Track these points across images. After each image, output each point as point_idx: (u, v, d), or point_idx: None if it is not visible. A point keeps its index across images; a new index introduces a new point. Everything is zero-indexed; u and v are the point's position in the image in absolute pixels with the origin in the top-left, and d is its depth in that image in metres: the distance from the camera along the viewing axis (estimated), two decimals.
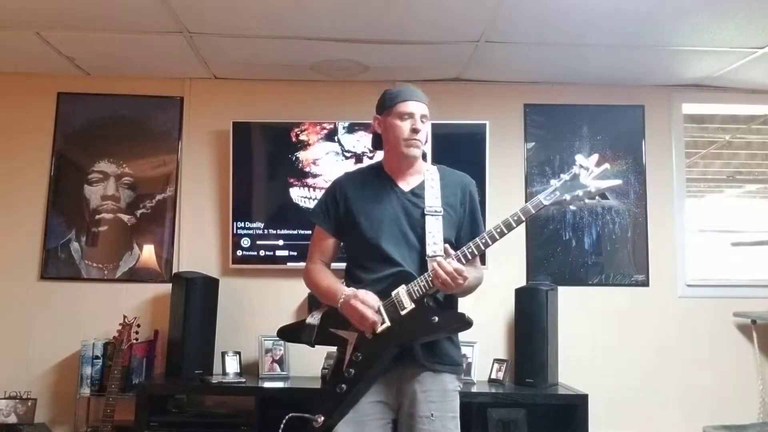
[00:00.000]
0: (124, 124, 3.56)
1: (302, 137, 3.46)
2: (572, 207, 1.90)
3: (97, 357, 3.26)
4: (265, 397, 3.10)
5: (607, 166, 1.93)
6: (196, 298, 3.23)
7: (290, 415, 1.91)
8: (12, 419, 3.18)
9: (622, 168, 3.57)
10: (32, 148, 3.54)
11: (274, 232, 3.42)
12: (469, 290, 2.00)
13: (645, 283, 3.50)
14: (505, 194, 3.47)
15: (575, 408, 3.01)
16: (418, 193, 2.03)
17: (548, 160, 3.57)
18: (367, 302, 1.90)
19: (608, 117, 3.58)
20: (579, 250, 3.52)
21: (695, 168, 3.74)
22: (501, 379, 3.28)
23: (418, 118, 1.99)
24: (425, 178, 2.05)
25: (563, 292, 3.37)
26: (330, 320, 2.00)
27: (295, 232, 3.40)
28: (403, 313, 1.89)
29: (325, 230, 2.11)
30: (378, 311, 1.90)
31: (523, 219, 1.90)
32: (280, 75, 3.53)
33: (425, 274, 1.89)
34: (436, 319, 1.88)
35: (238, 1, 2.68)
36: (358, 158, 3.44)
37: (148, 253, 3.50)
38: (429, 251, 1.94)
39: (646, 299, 3.50)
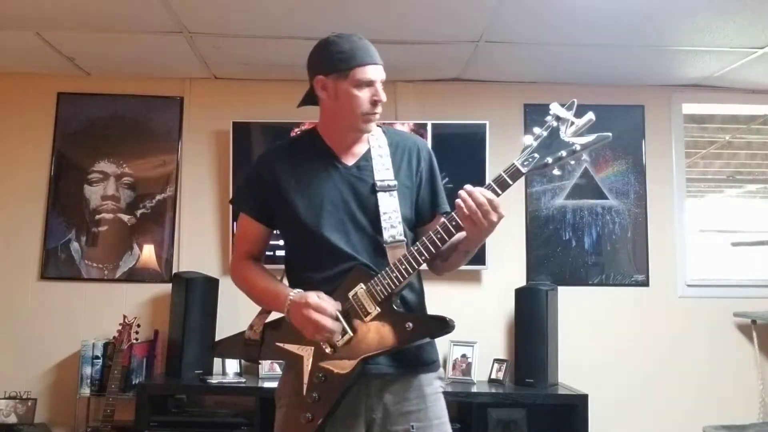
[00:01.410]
0: (124, 124, 3.56)
1: None
2: (556, 171, 1.48)
3: (97, 357, 3.26)
4: (265, 397, 3.09)
5: (591, 116, 1.47)
6: (196, 298, 3.23)
7: None
8: (12, 419, 3.17)
9: (622, 168, 3.57)
10: (32, 147, 3.53)
11: (274, 232, 3.41)
12: (473, 254, 1.64)
13: (645, 283, 3.50)
14: (504, 194, 3.44)
15: (575, 408, 3.01)
16: (363, 165, 1.65)
17: None
18: (321, 309, 1.52)
19: (608, 117, 3.58)
20: (579, 250, 3.52)
21: (695, 168, 3.74)
22: (501, 379, 3.28)
23: (379, 85, 1.62)
24: (371, 145, 1.67)
25: (563, 292, 3.37)
26: (276, 332, 1.65)
27: None
28: (367, 319, 1.54)
29: (251, 216, 1.73)
30: (337, 319, 1.54)
31: (500, 192, 1.50)
32: (280, 75, 3.52)
33: (388, 267, 1.54)
34: (411, 325, 1.51)
35: (238, 1, 2.67)
36: None
37: (148, 253, 3.50)
38: (386, 236, 1.57)
39: (646, 299, 3.50)
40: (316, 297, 1.55)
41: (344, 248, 1.60)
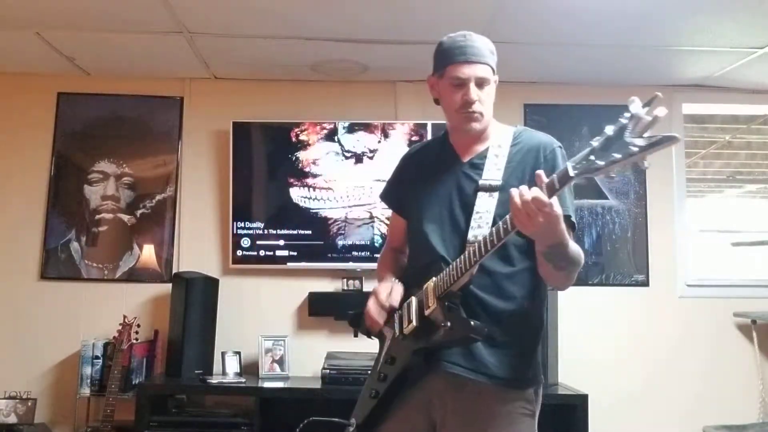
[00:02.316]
0: (125, 124, 3.56)
1: (302, 137, 3.46)
2: (613, 175, 1.25)
3: (97, 357, 3.26)
4: (265, 397, 3.10)
5: (659, 112, 1.20)
6: (196, 298, 3.23)
7: (311, 418, 1.72)
8: (12, 419, 3.17)
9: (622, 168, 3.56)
10: (32, 147, 3.53)
11: (274, 232, 3.42)
12: (565, 259, 1.44)
13: (645, 283, 3.50)
14: None
15: (575, 408, 3.00)
16: (477, 163, 1.64)
17: None
18: (378, 294, 1.67)
19: (608, 117, 3.54)
20: None
21: (695, 168, 3.74)
22: None
23: (472, 84, 1.57)
24: (491, 144, 1.64)
25: (563, 292, 3.35)
26: None
27: (295, 232, 3.40)
28: (427, 312, 1.55)
29: (390, 207, 1.87)
30: (387, 309, 1.65)
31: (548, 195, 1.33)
32: (280, 75, 3.52)
33: (454, 263, 1.51)
34: (448, 324, 1.49)
35: (238, 1, 2.67)
36: (358, 158, 3.44)
37: (148, 253, 3.50)
38: (470, 235, 1.54)
39: (646, 299, 3.49)
40: (384, 285, 1.70)
41: (435, 242, 1.62)
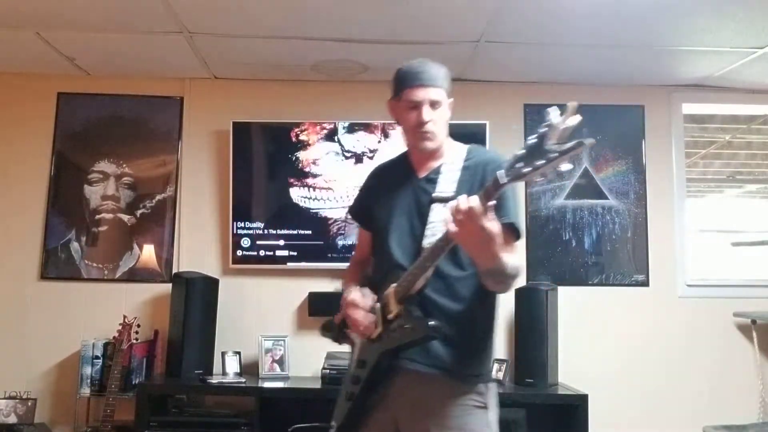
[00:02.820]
0: (124, 124, 3.56)
1: (302, 137, 3.46)
2: (539, 178, 1.38)
3: (97, 357, 3.26)
4: (265, 397, 3.10)
5: (574, 120, 1.30)
6: (196, 298, 3.23)
7: (294, 427, 1.83)
8: (12, 419, 3.17)
9: (622, 168, 3.57)
10: (32, 147, 3.53)
11: (274, 232, 3.42)
12: (500, 271, 1.56)
13: (645, 283, 3.50)
14: None
15: (575, 408, 3.01)
16: (432, 178, 1.78)
17: None
18: (355, 303, 1.73)
19: (608, 117, 3.58)
20: (579, 250, 3.52)
21: (695, 168, 3.74)
22: (501, 379, 3.27)
23: (426, 106, 1.73)
24: (445, 161, 1.79)
25: (563, 292, 3.36)
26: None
27: (295, 232, 3.40)
28: (390, 316, 1.68)
29: (357, 222, 2.01)
30: (371, 311, 1.72)
31: (485, 201, 1.45)
32: (280, 75, 3.52)
33: (410, 268, 1.65)
34: (409, 326, 1.63)
35: (238, 2, 2.67)
36: (358, 158, 3.44)
37: (148, 253, 3.50)
38: (425, 243, 1.67)
39: (646, 299, 3.49)
40: (356, 293, 1.76)
41: (395, 252, 1.75)
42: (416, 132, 1.75)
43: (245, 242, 3.42)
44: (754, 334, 3.45)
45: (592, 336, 3.45)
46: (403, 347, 1.66)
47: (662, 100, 3.62)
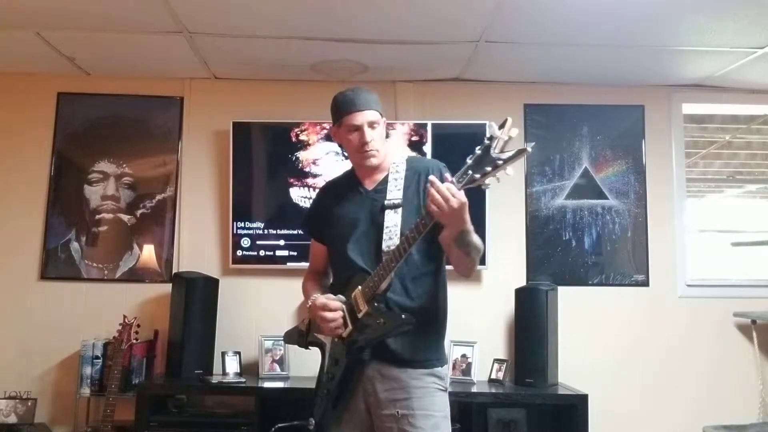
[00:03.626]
0: (124, 124, 3.56)
1: (302, 137, 3.46)
2: (486, 183, 1.62)
3: (97, 357, 3.26)
4: (265, 397, 3.10)
5: (513, 132, 1.60)
6: (196, 298, 3.23)
7: (277, 426, 2.04)
8: (12, 419, 3.17)
9: (622, 168, 3.57)
10: (32, 147, 3.53)
11: (274, 232, 3.42)
12: (471, 243, 1.78)
13: (645, 283, 3.50)
14: (505, 194, 3.46)
15: (575, 408, 3.01)
16: (380, 189, 1.98)
17: (548, 160, 3.56)
18: (328, 307, 1.89)
19: (608, 117, 3.58)
20: (579, 250, 3.52)
21: (695, 168, 3.74)
22: (501, 379, 3.28)
23: (366, 128, 1.92)
24: (390, 172, 1.99)
25: (563, 292, 3.36)
26: (315, 325, 2.02)
27: (295, 232, 3.40)
28: (360, 315, 1.85)
29: (311, 236, 2.16)
30: (343, 314, 1.88)
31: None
32: (280, 75, 3.52)
33: (376, 270, 1.82)
34: (382, 321, 1.81)
35: (238, 1, 2.67)
36: None
37: (148, 253, 3.50)
38: (384, 246, 1.84)
39: (646, 299, 3.49)
40: (324, 298, 1.92)
41: (355, 258, 1.92)
42: (360, 151, 1.94)
43: (245, 242, 3.42)
44: (754, 334, 3.45)
45: (592, 336, 3.45)
46: (376, 340, 1.83)
47: (662, 100, 3.62)
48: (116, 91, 3.58)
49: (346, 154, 2.09)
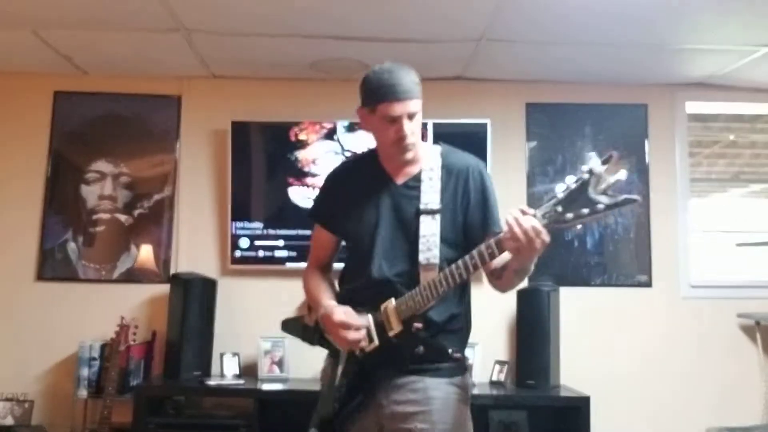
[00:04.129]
0: (122, 124, 3.54)
1: (301, 137, 3.43)
2: (576, 227, 1.51)
3: (94, 358, 3.24)
4: (264, 399, 3.09)
5: (622, 175, 1.38)
6: (194, 299, 3.22)
7: None
8: (9, 421, 3.16)
9: (625, 167, 3.53)
10: (29, 147, 3.51)
11: (273, 232, 3.39)
12: (529, 269, 1.65)
13: (648, 284, 3.48)
14: (506, 194, 3.41)
15: (577, 410, 2.99)
16: (413, 185, 1.76)
17: (550, 160, 3.54)
18: (345, 324, 1.69)
19: (611, 116, 3.56)
20: (581, 250, 3.50)
21: (699, 167, 3.71)
22: (502, 380, 3.26)
23: (405, 120, 1.69)
24: (423, 167, 1.76)
25: (565, 292, 3.34)
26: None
27: (295, 232, 3.38)
28: (390, 334, 1.67)
29: (322, 226, 1.90)
30: (359, 329, 1.69)
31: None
32: (279, 74, 3.50)
33: (416, 288, 1.64)
34: (421, 349, 1.65)
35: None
36: None
37: (145, 253, 3.47)
38: (422, 258, 1.67)
39: (649, 300, 3.47)
40: (341, 314, 1.71)
41: (380, 262, 1.72)
42: (397, 146, 1.72)
43: (244, 242, 3.40)
44: (758, 336, 3.43)
45: (595, 337, 3.43)
46: (409, 364, 1.69)
47: (666, 98, 3.59)
48: (114, 90, 3.56)
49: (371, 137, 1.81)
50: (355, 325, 1.68)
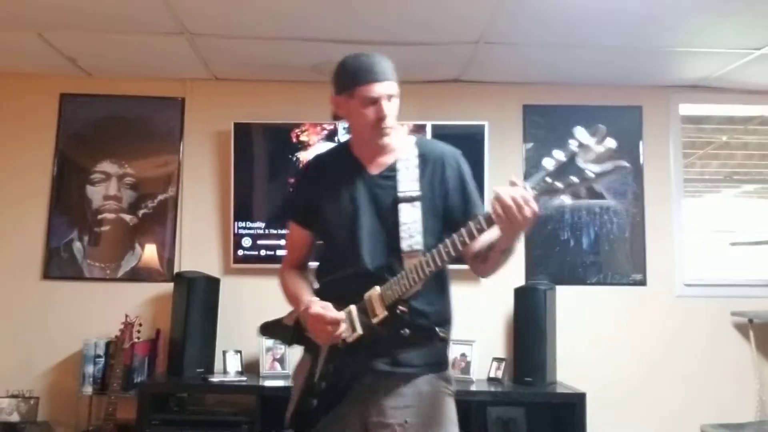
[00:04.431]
0: (126, 125, 3.58)
1: (303, 138, 3.47)
2: (566, 199, 1.43)
3: (99, 356, 3.27)
4: (266, 395, 3.11)
5: (611, 143, 1.39)
6: (197, 298, 3.25)
7: None
8: (14, 418, 3.19)
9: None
10: (35, 148, 3.55)
11: (275, 231, 3.44)
12: (511, 252, 1.62)
13: (643, 283, 3.52)
14: None
15: (573, 406, 3.02)
16: (389, 175, 1.73)
17: None
18: (320, 318, 1.64)
19: (606, 117, 3.53)
20: (577, 249, 3.54)
21: (693, 168, 3.76)
22: (500, 377, 3.30)
23: (385, 101, 1.67)
24: (398, 157, 1.74)
25: (561, 291, 3.38)
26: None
27: None
28: (374, 321, 1.62)
29: (296, 223, 1.87)
30: (336, 323, 1.64)
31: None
32: (280, 76, 3.54)
33: (400, 274, 1.61)
34: (407, 332, 1.62)
35: (238, 2, 2.69)
36: None
37: (149, 252, 3.52)
38: (404, 245, 1.64)
39: (644, 299, 3.51)
40: (318, 308, 1.66)
41: (361, 253, 1.68)
42: (377, 128, 1.68)
43: (246, 242, 3.44)
44: (752, 334, 3.46)
45: (590, 335, 3.46)
46: (397, 351, 1.65)
47: (660, 100, 3.63)
48: (118, 92, 3.60)
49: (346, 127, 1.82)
50: (335, 317, 1.64)
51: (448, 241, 1.54)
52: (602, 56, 3.23)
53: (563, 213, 3.55)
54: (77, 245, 3.50)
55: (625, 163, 1.38)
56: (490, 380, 3.33)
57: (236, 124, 3.47)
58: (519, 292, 3.33)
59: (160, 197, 3.55)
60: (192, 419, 3.12)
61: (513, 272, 3.48)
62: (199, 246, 3.53)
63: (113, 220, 3.53)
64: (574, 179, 1.40)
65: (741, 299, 3.49)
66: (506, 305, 3.41)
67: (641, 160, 3.59)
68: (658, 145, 3.61)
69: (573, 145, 1.41)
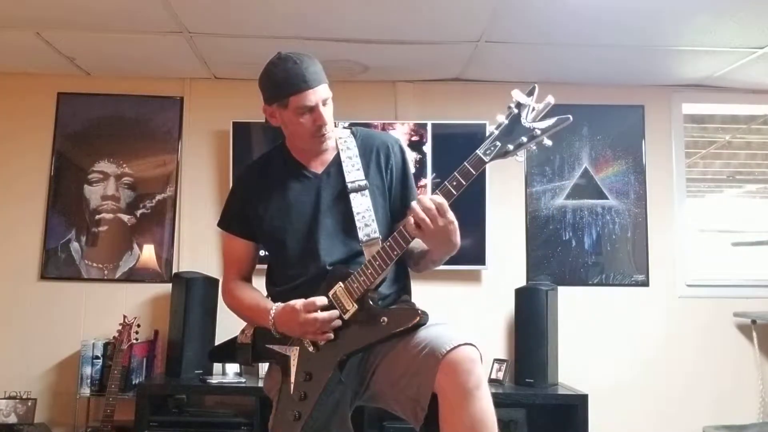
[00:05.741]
0: (125, 124, 3.56)
1: None
2: (519, 158, 1.48)
3: (97, 357, 3.26)
4: (265, 397, 3.07)
5: (550, 99, 1.47)
6: (196, 298, 3.23)
7: None
8: (12, 419, 3.17)
9: (622, 168, 3.57)
10: (32, 148, 3.54)
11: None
12: (449, 246, 1.58)
13: (645, 283, 3.50)
14: (504, 195, 3.47)
15: (575, 408, 3.01)
16: (333, 171, 1.71)
17: (548, 160, 3.56)
18: (311, 306, 1.58)
19: (608, 117, 3.58)
20: (579, 250, 3.52)
21: (695, 168, 3.75)
22: (501, 379, 3.28)
23: (320, 106, 1.64)
24: (340, 149, 1.72)
25: (563, 292, 3.36)
26: (265, 336, 1.70)
27: None
28: (346, 317, 1.58)
29: (235, 234, 1.79)
30: (328, 308, 1.59)
31: (465, 183, 1.53)
32: None
33: (363, 265, 1.57)
34: (385, 319, 1.55)
35: (238, 1, 2.68)
36: None
37: (148, 253, 3.50)
38: (361, 235, 1.62)
39: (646, 299, 3.50)
40: (300, 302, 1.60)
41: (317, 253, 1.66)
42: (316, 135, 1.67)
43: None
44: (754, 334, 3.45)
45: (592, 336, 3.45)
46: (378, 342, 1.58)
47: (662, 100, 3.62)
48: (116, 91, 3.58)
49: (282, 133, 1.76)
50: (319, 305, 1.58)
51: (396, 233, 1.56)
52: (604, 55, 3.21)
53: (565, 213, 3.53)
54: (75, 245, 3.48)
55: (569, 117, 1.47)
56: (492, 381, 3.30)
57: (235, 123, 3.46)
58: (520, 293, 3.31)
59: (159, 197, 3.53)
60: (191, 421, 3.12)
61: (514, 273, 3.47)
62: (198, 246, 3.51)
63: (111, 220, 3.51)
64: (523, 138, 1.47)
65: (744, 300, 3.48)
66: (507, 306, 3.39)
67: (644, 160, 3.58)
68: (660, 145, 3.60)
69: (511, 106, 1.48)
